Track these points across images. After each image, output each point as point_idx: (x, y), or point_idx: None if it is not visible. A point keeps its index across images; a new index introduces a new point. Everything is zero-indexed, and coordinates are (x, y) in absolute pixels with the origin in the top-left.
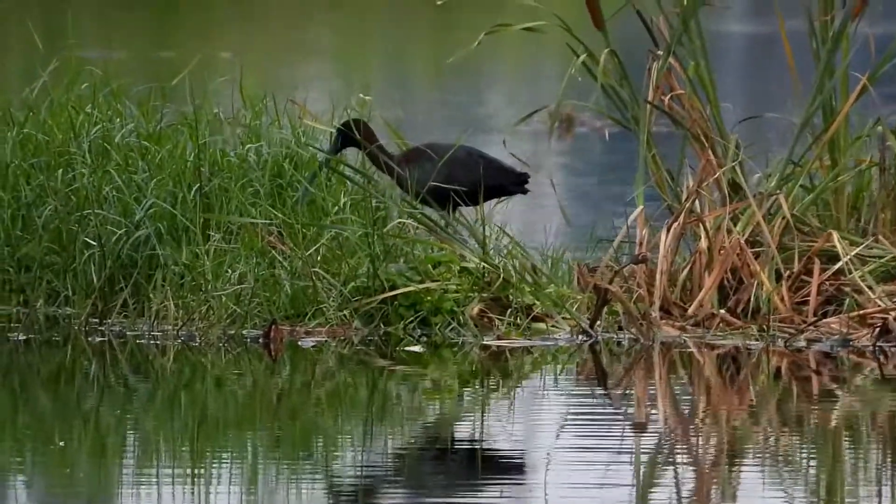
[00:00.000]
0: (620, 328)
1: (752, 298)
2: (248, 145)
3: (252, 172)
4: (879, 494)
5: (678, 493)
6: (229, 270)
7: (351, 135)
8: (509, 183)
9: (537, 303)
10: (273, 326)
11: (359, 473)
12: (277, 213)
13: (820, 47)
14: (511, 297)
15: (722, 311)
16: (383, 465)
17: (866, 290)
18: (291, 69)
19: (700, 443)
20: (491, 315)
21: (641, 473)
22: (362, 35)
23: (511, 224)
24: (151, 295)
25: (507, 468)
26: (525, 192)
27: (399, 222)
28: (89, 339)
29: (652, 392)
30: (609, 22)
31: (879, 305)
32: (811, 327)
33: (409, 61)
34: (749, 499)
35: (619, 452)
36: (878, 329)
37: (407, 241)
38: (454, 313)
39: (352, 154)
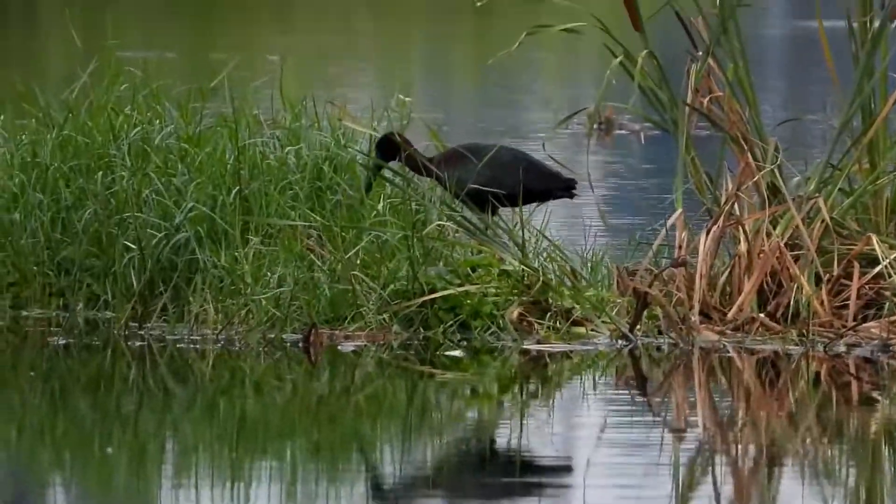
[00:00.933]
0: (660, 332)
1: (791, 302)
2: (288, 148)
3: (291, 175)
4: None
5: (717, 499)
6: (269, 274)
7: (387, 148)
8: (556, 188)
9: (577, 306)
10: (313, 330)
11: (398, 479)
12: (316, 216)
13: (859, 49)
14: (551, 301)
15: (761, 315)
16: (423, 471)
17: None
18: (332, 71)
19: (739, 449)
20: (530, 319)
21: (681, 479)
22: (402, 37)
23: (550, 227)
24: (191, 298)
25: (547, 474)
26: (572, 196)
27: (438, 225)
28: (129, 343)
29: (691, 397)
30: (647, 23)
31: None
32: (851, 332)
33: (449, 63)
34: None
35: (659, 458)
36: None
37: (446, 244)
38: (493, 317)
39: None
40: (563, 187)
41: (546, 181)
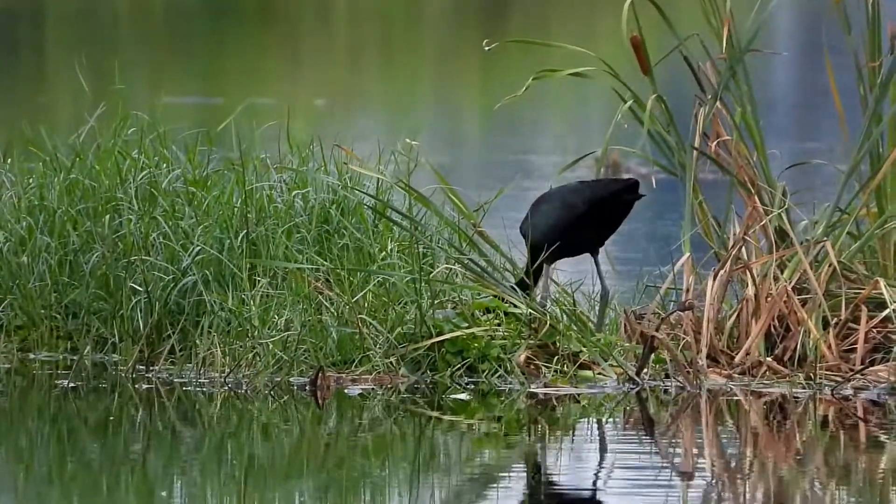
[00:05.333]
0: (667, 376)
1: (798, 346)
2: (295, 191)
3: (298, 218)
4: None
5: None
6: (276, 317)
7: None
8: (621, 190)
9: (584, 350)
10: (320, 373)
11: None
12: (324, 259)
13: (868, 94)
14: (558, 344)
15: (769, 358)
16: None
17: None
18: (339, 114)
19: (747, 492)
20: (538, 362)
21: None
22: (410, 81)
23: (558, 271)
24: (198, 341)
25: None
26: (639, 197)
27: (446, 268)
28: (136, 385)
29: (699, 440)
30: (656, 68)
31: None
32: (858, 375)
33: (457, 107)
34: None
35: (667, 502)
36: None
37: (454, 287)
38: (501, 360)
39: (398, 198)
40: (627, 189)
41: (610, 185)
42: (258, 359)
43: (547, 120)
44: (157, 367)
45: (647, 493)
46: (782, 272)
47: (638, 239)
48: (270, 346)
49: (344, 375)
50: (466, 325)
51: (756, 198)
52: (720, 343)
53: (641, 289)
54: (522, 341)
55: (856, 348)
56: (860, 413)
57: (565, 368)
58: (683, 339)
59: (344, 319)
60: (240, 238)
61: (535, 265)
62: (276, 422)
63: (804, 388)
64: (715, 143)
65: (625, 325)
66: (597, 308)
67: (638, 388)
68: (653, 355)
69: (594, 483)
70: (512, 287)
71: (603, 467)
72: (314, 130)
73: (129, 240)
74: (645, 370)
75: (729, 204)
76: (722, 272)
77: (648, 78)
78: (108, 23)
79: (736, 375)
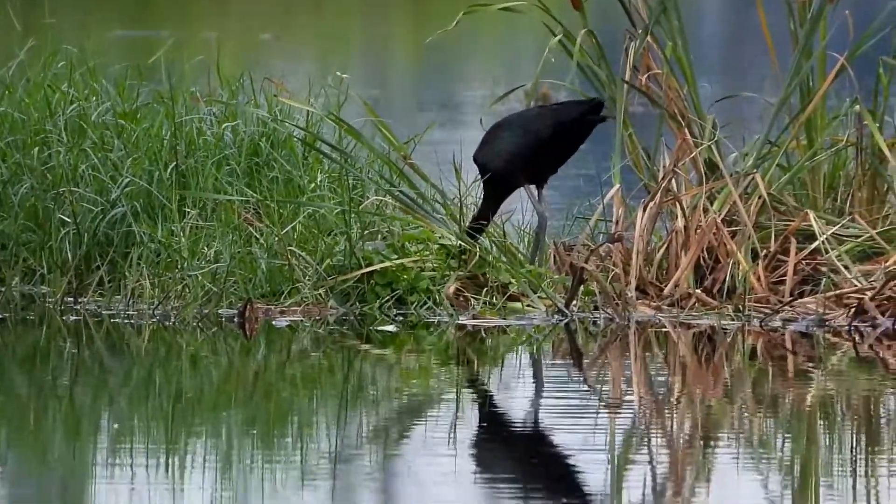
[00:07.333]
0: (596, 308)
1: (728, 278)
2: (225, 124)
3: (228, 150)
4: (854, 475)
5: (653, 474)
6: (205, 248)
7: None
8: (586, 112)
9: (513, 282)
10: (248, 305)
11: (333, 455)
12: (253, 191)
13: (798, 28)
14: (487, 276)
15: (698, 290)
16: (357, 447)
17: (843, 269)
18: (268, 48)
19: (675, 423)
20: (467, 294)
21: (616, 454)
22: (341, 15)
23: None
24: (127, 273)
25: (482, 449)
26: (604, 119)
27: (376, 199)
28: (64, 317)
29: (627, 372)
30: (587, 2)
31: (855, 285)
32: (787, 307)
33: (387, 41)
34: (723, 480)
35: (594, 433)
36: (853, 309)
37: (384, 219)
38: (430, 292)
39: (328, 130)
40: (592, 110)
41: (574, 108)
42: (187, 290)
43: (478, 54)
44: (85, 299)
45: (576, 424)
46: (712, 204)
47: (568, 171)
48: (199, 277)
49: (273, 307)
50: (396, 256)
51: (686, 130)
52: (649, 275)
53: (571, 221)
54: (452, 273)
55: (785, 280)
56: (788, 345)
57: (494, 300)
58: (613, 270)
59: (273, 251)
60: (169, 170)
61: (496, 193)
62: (205, 354)
63: (733, 319)
64: (645, 76)
65: (554, 256)
66: (527, 240)
67: (567, 320)
68: (582, 287)
69: (522, 414)
70: (467, 233)
71: (531, 399)
72: (254, 65)
73: (58, 171)
74: (574, 302)
75: (659, 136)
76: (651, 204)
77: (580, 12)
78: None
79: (665, 307)
